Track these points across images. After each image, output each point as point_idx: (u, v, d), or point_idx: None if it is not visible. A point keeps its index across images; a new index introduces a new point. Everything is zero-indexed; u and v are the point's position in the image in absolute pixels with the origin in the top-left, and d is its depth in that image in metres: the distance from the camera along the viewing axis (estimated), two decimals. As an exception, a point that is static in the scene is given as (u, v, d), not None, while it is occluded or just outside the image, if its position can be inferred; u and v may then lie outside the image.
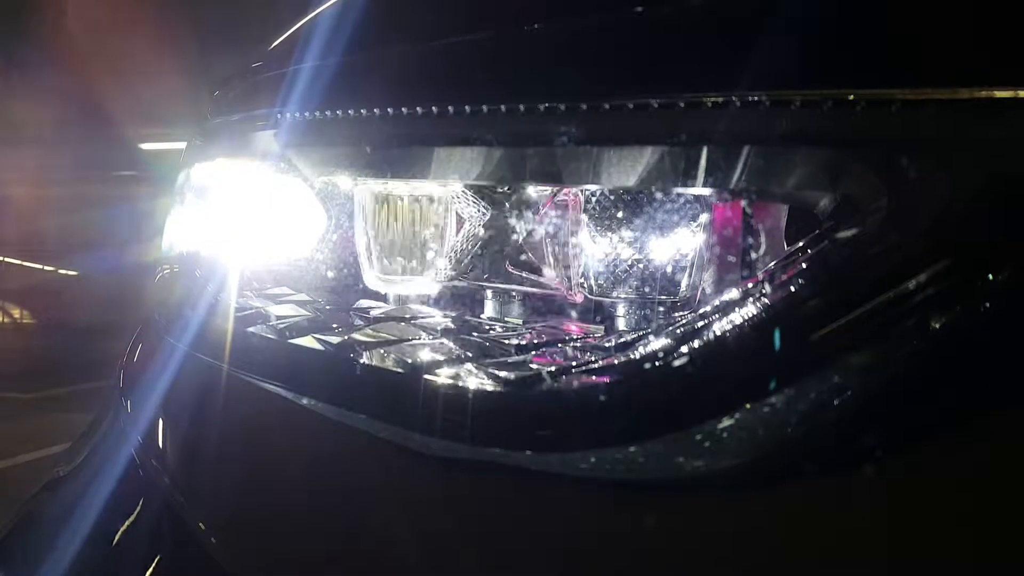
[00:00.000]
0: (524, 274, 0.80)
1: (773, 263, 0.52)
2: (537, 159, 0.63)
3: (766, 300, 0.48)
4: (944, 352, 0.44)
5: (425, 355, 0.63)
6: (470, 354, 0.62)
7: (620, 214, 0.69)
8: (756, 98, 0.50)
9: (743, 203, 0.67)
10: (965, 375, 0.44)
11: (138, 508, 0.82)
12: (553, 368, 0.56)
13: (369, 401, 0.64)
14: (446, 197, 0.83)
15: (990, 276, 0.43)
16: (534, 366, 0.58)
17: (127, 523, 0.81)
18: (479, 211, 0.81)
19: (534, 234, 0.77)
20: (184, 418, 0.85)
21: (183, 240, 0.96)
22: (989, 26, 0.45)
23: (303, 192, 0.87)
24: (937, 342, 0.43)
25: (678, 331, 0.52)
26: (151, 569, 0.76)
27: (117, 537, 0.80)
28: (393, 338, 0.68)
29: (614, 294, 0.69)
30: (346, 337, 0.67)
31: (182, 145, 1.03)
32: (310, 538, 0.66)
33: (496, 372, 0.57)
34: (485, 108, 0.59)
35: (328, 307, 0.81)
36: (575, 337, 0.67)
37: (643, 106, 0.54)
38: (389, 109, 0.65)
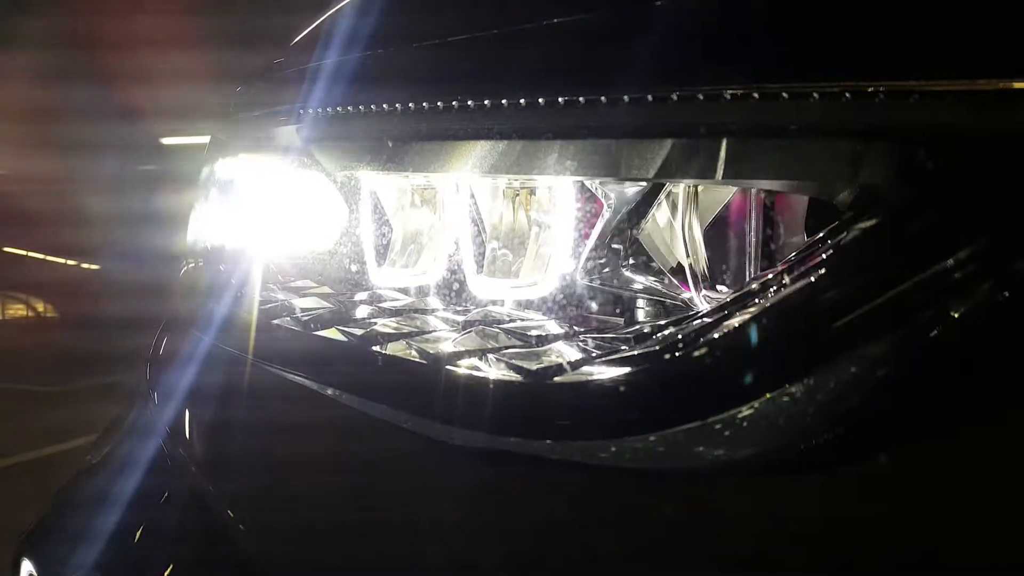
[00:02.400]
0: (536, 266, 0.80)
1: (793, 254, 0.53)
2: (556, 152, 0.63)
3: (786, 291, 0.49)
4: (966, 343, 0.44)
5: (446, 346, 0.64)
6: (491, 345, 0.63)
7: (635, 206, 0.70)
8: (776, 90, 0.50)
9: (762, 195, 0.67)
10: (988, 366, 0.44)
11: (166, 497, 0.84)
12: (573, 359, 0.57)
13: (391, 391, 0.65)
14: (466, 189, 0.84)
15: (1011, 267, 0.43)
16: (554, 357, 0.59)
17: (156, 512, 0.83)
18: (501, 203, 0.82)
19: (551, 226, 0.77)
20: (210, 409, 0.86)
21: (207, 234, 0.98)
22: (1009, 17, 0.45)
23: (325, 186, 0.88)
24: (957, 333, 0.44)
25: (697, 322, 0.53)
26: (180, 556, 0.77)
27: (146, 525, 0.82)
28: (415, 330, 0.69)
29: (632, 286, 0.70)
30: (369, 329, 0.68)
31: (202, 139, 1.04)
32: (334, 525, 0.67)
33: (517, 363, 0.58)
34: (505, 102, 0.60)
35: (351, 299, 0.82)
36: (595, 328, 0.68)
37: (662, 99, 0.54)
38: (409, 104, 0.66)
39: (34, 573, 0.92)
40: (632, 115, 0.56)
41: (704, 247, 0.69)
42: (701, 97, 0.52)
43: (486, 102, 0.61)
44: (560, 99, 0.57)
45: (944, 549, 0.45)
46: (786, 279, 0.49)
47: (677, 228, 0.69)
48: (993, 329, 0.43)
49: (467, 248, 0.76)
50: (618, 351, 0.57)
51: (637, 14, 0.56)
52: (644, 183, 0.68)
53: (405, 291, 0.88)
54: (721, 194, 0.67)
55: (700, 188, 0.68)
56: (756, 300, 0.50)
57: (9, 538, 1.02)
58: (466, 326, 0.70)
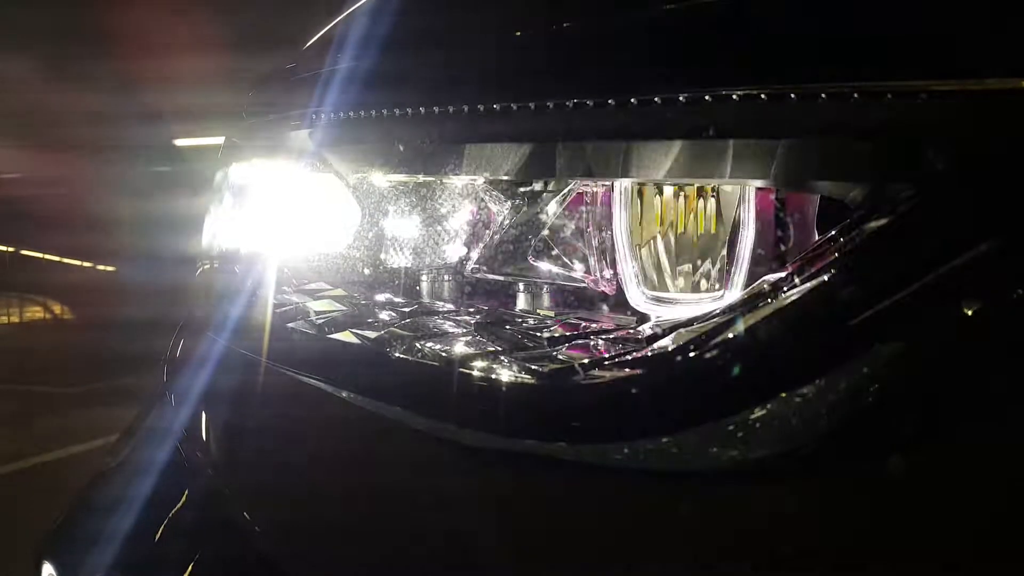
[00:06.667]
0: (555, 267, 0.81)
1: (803, 254, 0.53)
2: (566, 154, 0.63)
3: (796, 292, 0.49)
4: (975, 343, 0.44)
5: (459, 348, 0.64)
6: (503, 347, 0.63)
7: (647, 207, 0.70)
8: (784, 91, 0.50)
9: (772, 195, 0.67)
10: (999, 365, 0.44)
11: (183, 499, 0.85)
12: (585, 360, 0.57)
13: (405, 394, 0.65)
14: (475, 190, 0.84)
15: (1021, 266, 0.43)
16: (566, 358, 0.59)
17: (173, 513, 0.84)
18: (510, 205, 0.82)
19: (565, 228, 0.77)
20: (226, 411, 0.87)
21: (222, 238, 0.98)
22: (1018, 16, 0.45)
23: (338, 189, 0.88)
24: (968, 333, 0.44)
25: (709, 323, 0.53)
26: (196, 558, 0.78)
27: (164, 527, 0.83)
28: (428, 332, 0.69)
29: (644, 287, 0.70)
30: (383, 332, 0.69)
31: (217, 140, 1.05)
32: (349, 526, 0.68)
33: (529, 365, 0.58)
34: (515, 106, 0.60)
35: (364, 302, 0.83)
36: (607, 329, 0.68)
37: (671, 101, 0.54)
38: (421, 108, 0.66)
39: (54, 575, 0.93)
40: (641, 117, 0.56)
41: (713, 247, 0.69)
42: (710, 99, 0.52)
43: (496, 106, 0.62)
44: (568, 102, 0.57)
45: (952, 548, 0.45)
46: (797, 279, 0.49)
47: (686, 228, 0.69)
48: (1007, 327, 0.43)
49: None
50: (630, 353, 0.57)
51: (646, 17, 0.57)
52: (653, 184, 0.68)
53: (417, 295, 0.89)
54: (730, 194, 0.67)
55: (709, 188, 0.68)
56: (768, 300, 0.50)
57: (30, 539, 1.03)
58: (478, 328, 0.70)
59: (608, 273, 0.75)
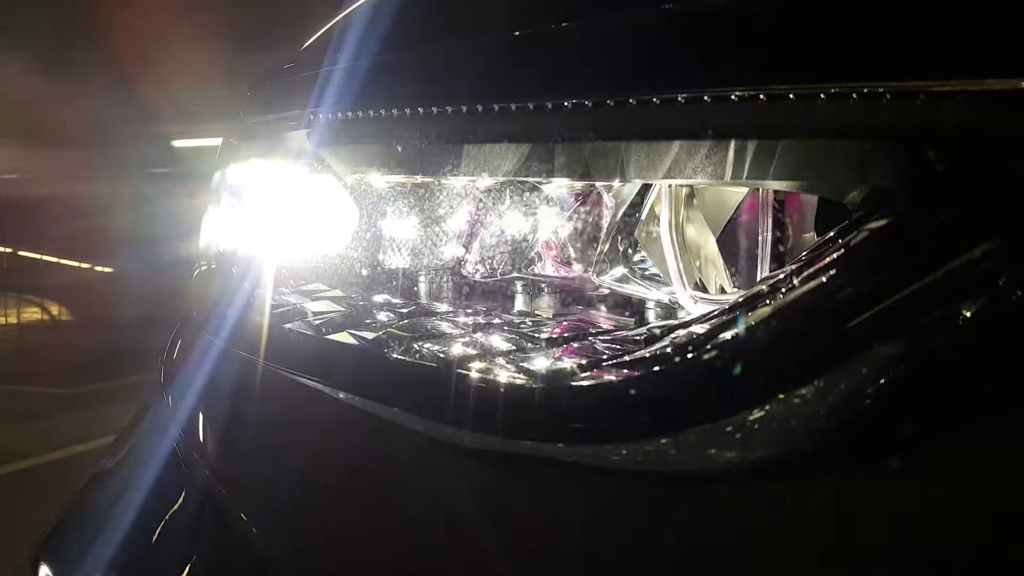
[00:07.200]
0: (553, 267, 0.80)
1: (802, 255, 0.53)
2: (565, 155, 0.63)
3: (795, 292, 0.49)
4: (975, 342, 0.44)
5: (457, 350, 0.64)
6: (501, 348, 0.63)
7: (641, 208, 0.70)
8: (782, 92, 0.50)
9: (771, 196, 0.67)
10: (998, 365, 0.44)
11: (180, 500, 0.84)
12: (584, 361, 0.57)
13: (403, 395, 0.65)
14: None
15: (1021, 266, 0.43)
16: (565, 359, 0.59)
17: (170, 514, 0.84)
18: (510, 205, 0.82)
19: (564, 228, 0.77)
20: (223, 412, 0.87)
21: (219, 238, 0.98)
22: (1017, 16, 0.45)
23: (336, 190, 0.88)
24: (967, 333, 0.43)
25: (707, 323, 0.53)
26: (194, 558, 0.78)
27: (161, 528, 0.83)
28: (426, 333, 0.69)
29: (642, 288, 0.70)
30: (380, 333, 0.69)
31: (214, 141, 1.05)
32: (346, 528, 0.68)
33: (527, 366, 0.58)
34: (514, 106, 0.60)
35: (362, 303, 0.82)
36: (605, 330, 0.67)
37: (669, 101, 0.54)
38: (420, 108, 0.66)
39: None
40: (640, 117, 0.56)
41: (714, 248, 0.68)
42: (708, 99, 0.52)
43: (495, 106, 0.61)
44: (567, 102, 0.57)
45: (953, 548, 0.45)
46: (795, 280, 0.49)
47: (686, 229, 0.69)
48: (1006, 327, 0.43)
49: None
50: (628, 354, 0.57)
51: (645, 17, 0.56)
52: (651, 184, 0.68)
53: (415, 295, 0.88)
54: (730, 195, 0.67)
55: (708, 189, 0.67)
56: (766, 301, 0.50)
57: (26, 540, 1.03)
58: (476, 328, 0.70)
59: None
